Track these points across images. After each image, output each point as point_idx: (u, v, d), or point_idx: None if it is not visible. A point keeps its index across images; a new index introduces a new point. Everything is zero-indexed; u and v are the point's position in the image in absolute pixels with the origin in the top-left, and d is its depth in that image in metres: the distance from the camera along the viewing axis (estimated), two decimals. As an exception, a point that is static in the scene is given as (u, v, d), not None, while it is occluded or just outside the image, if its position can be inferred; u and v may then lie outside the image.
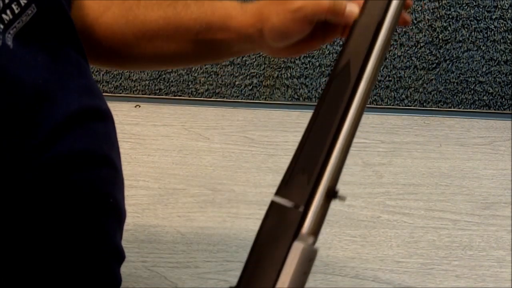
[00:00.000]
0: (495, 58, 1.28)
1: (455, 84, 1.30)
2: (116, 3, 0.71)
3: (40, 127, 0.53)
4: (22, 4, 0.53)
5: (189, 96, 1.34)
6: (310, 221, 0.51)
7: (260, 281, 0.50)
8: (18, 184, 0.52)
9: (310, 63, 1.31)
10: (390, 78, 1.30)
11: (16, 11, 0.52)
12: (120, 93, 1.35)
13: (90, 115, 0.60)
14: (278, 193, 0.52)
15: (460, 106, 1.31)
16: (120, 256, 0.68)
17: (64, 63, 0.58)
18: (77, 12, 0.69)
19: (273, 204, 0.52)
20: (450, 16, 1.26)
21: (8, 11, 0.51)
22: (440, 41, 1.28)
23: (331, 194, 0.52)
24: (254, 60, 1.31)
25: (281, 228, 0.51)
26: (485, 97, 1.30)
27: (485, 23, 1.26)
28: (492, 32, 1.27)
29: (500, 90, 1.30)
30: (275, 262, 0.50)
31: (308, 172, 0.52)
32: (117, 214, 0.65)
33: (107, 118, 0.64)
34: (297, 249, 0.50)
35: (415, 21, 1.27)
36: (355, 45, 0.54)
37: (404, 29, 1.28)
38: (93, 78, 0.64)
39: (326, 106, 0.53)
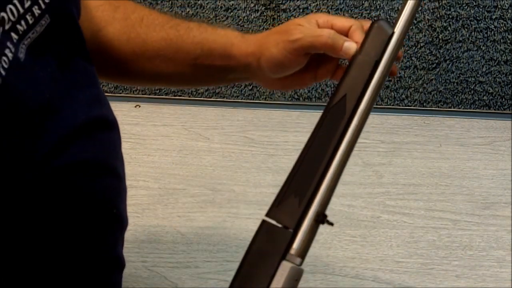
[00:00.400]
0: (495, 58, 1.28)
1: (455, 84, 1.30)
2: (118, 19, 0.71)
3: (45, 139, 0.53)
4: (36, 14, 0.53)
5: (189, 96, 1.34)
6: (298, 242, 0.54)
7: None
8: (23, 194, 0.52)
9: (310, 63, 1.31)
10: (390, 78, 1.30)
11: (30, 22, 0.52)
12: (120, 93, 1.35)
13: (97, 125, 0.60)
14: (269, 214, 0.55)
15: (460, 106, 1.31)
16: (120, 265, 0.68)
17: (73, 72, 0.58)
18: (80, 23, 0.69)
19: (264, 223, 0.54)
20: (450, 16, 1.26)
21: (22, 22, 0.51)
22: (440, 41, 1.28)
23: (320, 218, 0.54)
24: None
25: (271, 247, 0.54)
26: (485, 97, 1.30)
27: (485, 23, 1.26)
28: (492, 32, 1.27)
29: (500, 90, 1.30)
30: (263, 279, 0.53)
31: (300, 196, 0.55)
32: (119, 224, 0.66)
33: (113, 128, 0.64)
34: (285, 268, 0.53)
35: (415, 21, 1.27)
36: (352, 80, 0.57)
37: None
38: (101, 87, 0.64)
39: (321, 135, 0.56)
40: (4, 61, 0.48)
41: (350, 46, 0.61)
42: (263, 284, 0.53)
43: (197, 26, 0.70)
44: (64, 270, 0.59)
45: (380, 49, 0.58)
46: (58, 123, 0.54)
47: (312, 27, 0.63)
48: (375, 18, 1.26)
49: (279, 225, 0.54)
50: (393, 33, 0.58)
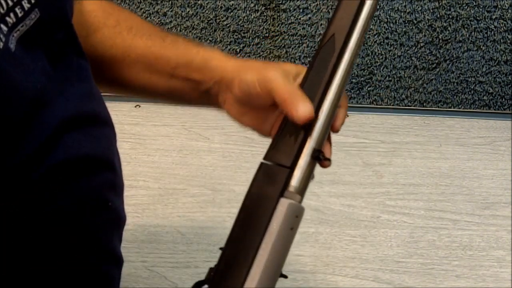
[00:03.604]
0: (495, 58, 1.28)
1: (455, 84, 1.30)
2: (109, 25, 0.71)
3: (36, 133, 0.53)
4: (26, 8, 0.53)
5: (189, 96, 1.34)
6: (296, 179, 0.54)
7: (248, 236, 0.53)
8: (16, 191, 0.52)
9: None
10: (390, 78, 1.30)
11: (20, 15, 0.52)
12: (120, 93, 1.35)
13: (88, 120, 0.60)
14: (267, 156, 0.55)
15: (460, 106, 1.31)
16: (118, 261, 0.67)
17: (64, 68, 0.59)
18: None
19: (261, 166, 0.55)
20: (450, 16, 1.26)
21: (11, 14, 0.51)
22: (440, 41, 1.28)
23: (316, 155, 0.55)
24: (254, 60, 1.31)
25: (269, 186, 0.54)
26: (485, 97, 1.30)
27: (485, 23, 1.26)
28: (492, 32, 1.27)
29: (500, 90, 1.30)
30: (263, 218, 0.53)
31: (295, 134, 0.55)
32: (116, 218, 0.65)
33: (106, 124, 0.64)
34: (283, 205, 0.53)
35: (415, 21, 1.27)
36: (339, 20, 0.58)
37: (404, 29, 1.28)
38: (94, 83, 0.64)
39: (313, 74, 0.57)
40: None
41: (302, 113, 0.56)
42: (264, 223, 0.53)
43: (184, 40, 0.71)
44: (58, 264, 0.59)
45: None
46: (49, 118, 0.54)
47: (288, 80, 0.61)
48: (375, 19, 1.26)
49: (276, 165, 0.54)
50: None
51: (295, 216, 0.53)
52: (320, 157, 0.55)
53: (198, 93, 0.69)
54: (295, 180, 0.54)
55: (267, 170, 0.55)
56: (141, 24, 0.72)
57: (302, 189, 0.54)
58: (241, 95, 0.64)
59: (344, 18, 0.58)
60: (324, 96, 0.56)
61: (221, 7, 1.28)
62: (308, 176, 0.55)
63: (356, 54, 0.58)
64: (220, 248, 0.55)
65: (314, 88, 0.56)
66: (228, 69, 0.66)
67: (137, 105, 1.29)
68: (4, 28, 0.50)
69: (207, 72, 0.68)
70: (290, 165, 0.54)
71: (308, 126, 0.55)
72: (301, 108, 0.55)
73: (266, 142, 1.31)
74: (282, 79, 0.60)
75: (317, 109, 0.55)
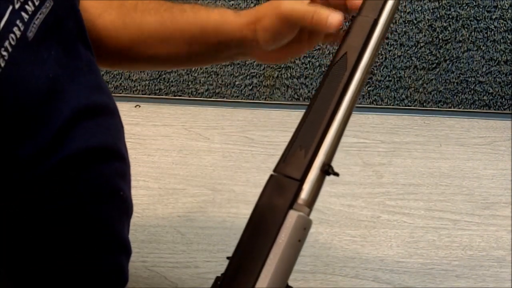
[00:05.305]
0: (495, 58, 1.28)
1: (455, 84, 1.30)
2: (114, 6, 0.73)
3: (50, 123, 0.54)
4: None
5: (189, 96, 1.34)
6: (306, 192, 0.55)
7: (256, 246, 0.55)
8: (31, 181, 0.53)
9: (310, 63, 1.31)
10: (390, 78, 1.30)
11: (36, 3, 0.54)
12: (120, 93, 1.35)
13: (99, 111, 0.61)
14: (277, 169, 0.57)
15: (460, 106, 1.31)
16: (128, 251, 0.68)
17: (75, 58, 0.60)
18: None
19: (271, 178, 0.57)
20: (450, 16, 1.26)
21: (30, 2, 0.53)
22: (440, 41, 1.28)
23: (326, 169, 0.56)
24: (254, 60, 1.31)
25: (278, 198, 0.55)
26: (485, 97, 1.30)
27: (485, 23, 1.26)
28: (492, 32, 1.27)
29: (500, 90, 1.30)
30: (272, 229, 0.54)
31: (305, 148, 0.57)
32: (126, 207, 0.67)
33: (115, 114, 0.66)
34: (292, 217, 0.54)
35: (415, 21, 1.27)
36: (352, 39, 0.60)
37: (404, 29, 1.28)
38: (101, 76, 0.65)
39: (324, 91, 0.59)
40: (12, 38, 0.49)
41: (334, 20, 0.63)
42: (272, 234, 0.54)
43: (191, 7, 0.72)
44: (72, 254, 0.60)
45: (378, 8, 0.61)
46: (63, 107, 0.55)
47: (301, 2, 0.65)
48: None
49: (286, 177, 0.56)
50: None
51: (303, 228, 0.55)
52: (329, 171, 0.57)
53: (220, 51, 0.72)
54: (304, 193, 0.55)
55: (277, 182, 0.56)
56: None
57: (311, 202, 0.56)
58: (270, 39, 0.68)
59: (357, 36, 0.60)
60: (335, 113, 0.58)
61: (221, 7, 1.28)
62: (318, 189, 0.56)
63: (367, 73, 0.60)
64: (227, 258, 0.56)
65: (325, 105, 0.58)
66: (243, 25, 0.69)
67: (137, 105, 1.29)
68: (25, 16, 0.52)
69: (224, 36, 0.70)
70: (300, 178, 0.56)
71: (319, 139, 0.57)
72: (329, 21, 0.61)
73: (266, 142, 1.32)
74: (296, 6, 0.64)
75: (328, 125, 0.57)
